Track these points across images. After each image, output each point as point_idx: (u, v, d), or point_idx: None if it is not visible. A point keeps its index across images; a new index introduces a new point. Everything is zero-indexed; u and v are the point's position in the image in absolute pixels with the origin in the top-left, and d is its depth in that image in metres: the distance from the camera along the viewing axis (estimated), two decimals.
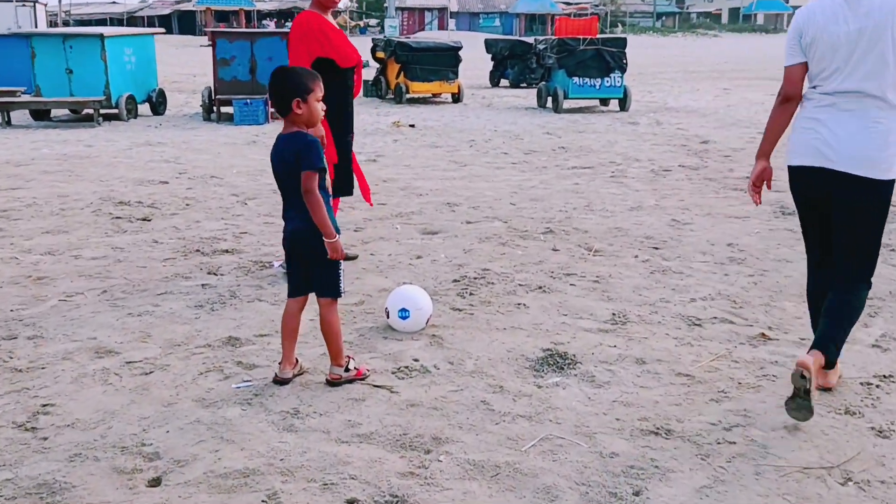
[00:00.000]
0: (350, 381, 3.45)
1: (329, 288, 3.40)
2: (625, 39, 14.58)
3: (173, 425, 3.10)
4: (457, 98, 16.13)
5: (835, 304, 3.23)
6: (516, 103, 16.09)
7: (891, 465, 2.84)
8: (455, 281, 4.87)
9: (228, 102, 12.39)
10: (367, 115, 13.78)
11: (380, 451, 2.93)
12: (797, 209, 3.47)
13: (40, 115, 12.63)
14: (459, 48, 15.94)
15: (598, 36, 14.74)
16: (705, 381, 3.53)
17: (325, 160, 3.29)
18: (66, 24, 63.60)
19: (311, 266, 3.39)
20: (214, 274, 4.97)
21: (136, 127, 11.96)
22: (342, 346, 3.48)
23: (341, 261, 3.39)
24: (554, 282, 4.87)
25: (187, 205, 6.89)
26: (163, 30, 18.64)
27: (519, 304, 4.46)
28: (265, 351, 3.78)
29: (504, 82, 20.72)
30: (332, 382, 3.45)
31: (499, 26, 65.65)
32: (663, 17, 77.81)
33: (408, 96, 15.91)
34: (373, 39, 18.22)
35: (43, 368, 3.57)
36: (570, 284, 4.83)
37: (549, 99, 14.80)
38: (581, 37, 14.14)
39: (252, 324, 4.13)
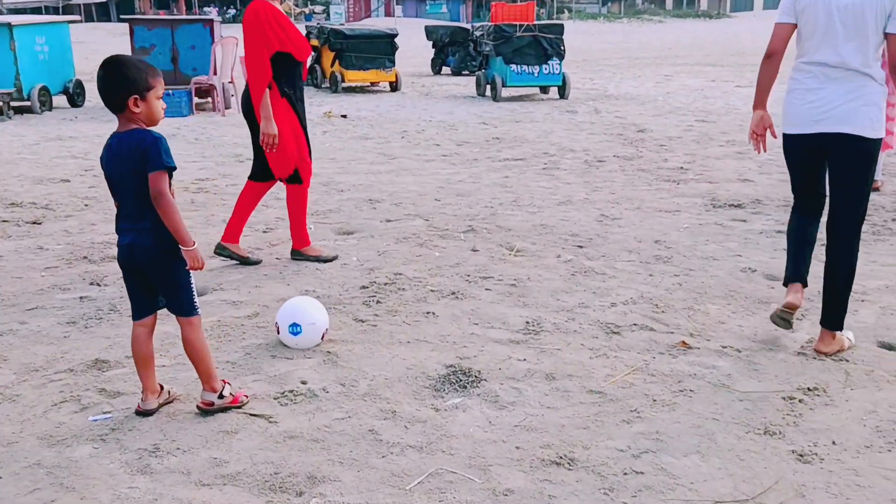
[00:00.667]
0: (224, 409, 3.08)
1: (183, 305, 3.02)
2: (562, 26, 14.31)
3: (8, 470, 2.69)
4: (395, 87, 15.71)
5: (833, 276, 3.63)
6: (456, 92, 15.74)
7: (811, 495, 2.58)
8: (363, 287, 4.51)
9: None
10: None
11: (244, 494, 2.57)
12: (790, 168, 3.75)
13: None
14: (395, 35, 15.51)
15: (536, 22, 14.45)
16: (618, 398, 3.24)
17: (173, 158, 2.87)
18: None
19: (157, 284, 3.02)
20: (98, 284, 4.53)
21: (49, 120, 11.30)
22: (213, 368, 3.10)
23: (191, 273, 3.00)
24: (469, 286, 4.54)
25: (86, 205, 6.40)
26: (78, 17, 17.80)
27: (428, 313, 4.13)
28: (135, 375, 3.36)
29: (446, 70, 20.36)
30: (204, 411, 3.08)
31: (446, 13, 65.02)
32: (609, 3, 78.06)
33: (344, 85, 15.45)
34: (306, 26, 17.68)
35: None
36: (486, 289, 4.51)
37: (488, 87, 14.48)
38: (517, 23, 13.83)
39: (127, 342, 3.65)
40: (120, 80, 2.81)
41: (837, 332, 3.64)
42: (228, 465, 2.73)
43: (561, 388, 3.34)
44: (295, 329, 3.63)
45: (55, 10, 71.44)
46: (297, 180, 4.91)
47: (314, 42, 16.10)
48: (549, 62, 13.83)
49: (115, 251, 5.12)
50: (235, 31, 47.17)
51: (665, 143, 9.49)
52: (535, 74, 13.95)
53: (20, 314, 4.08)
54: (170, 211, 2.83)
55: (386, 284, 4.55)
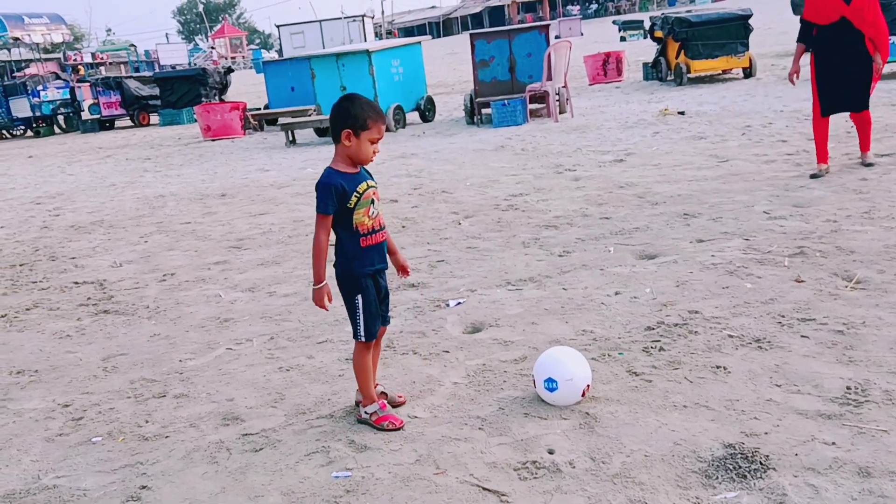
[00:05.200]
0: (370, 425, 3.27)
1: (353, 329, 3.27)
2: None
3: None
4: (748, 73, 14.33)
5: None
6: None
7: None
8: (648, 329, 3.98)
9: (489, 104, 12.16)
10: (637, 104, 12.74)
11: None
12: None
13: (322, 132, 13.49)
14: (748, 16, 14.11)
15: None
16: None
17: (330, 206, 3.08)
18: (388, 33, 69.41)
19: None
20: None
21: (400, 137, 12.22)
22: (367, 389, 3.30)
23: (360, 303, 3.20)
24: (779, 332, 3.76)
25: (403, 227, 6.67)
26: (429, 37, 19.05)
27: (718, 368, 3.47)
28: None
29: None
30: (359, 420, 3.34)
31: None
32: None
33: (689, 76, 14.49)
34: (650, 18, 16.91)
35: (167, 437, 3.45)
36: (802, 336, 3.69)
37: None
38: None
39: (390, 386, 3.67)
40: (342, 114, 3.06)
41: None
42: None
43: (876, 490, 2.53)
44: (551, 385, 3.26)
45: (436, 26, 78.84)
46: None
47: (658, 34, 15.36)
48: None
49: (412, 278, 5.25)
50: (597, 26, 47.15)
51: None
52: None
53: (311, 348, 4.28)
54: (314, 249, 3.10)
55: (676, 326, 3.96)
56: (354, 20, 53.50)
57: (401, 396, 3.51)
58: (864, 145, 6.87)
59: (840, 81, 6.50)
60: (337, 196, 3.06)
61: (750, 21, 14.20)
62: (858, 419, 2.95)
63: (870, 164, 6.78)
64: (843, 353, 3.49)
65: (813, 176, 6.63)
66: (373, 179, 3.25)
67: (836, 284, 4.28)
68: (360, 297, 3.18)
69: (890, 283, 4.19)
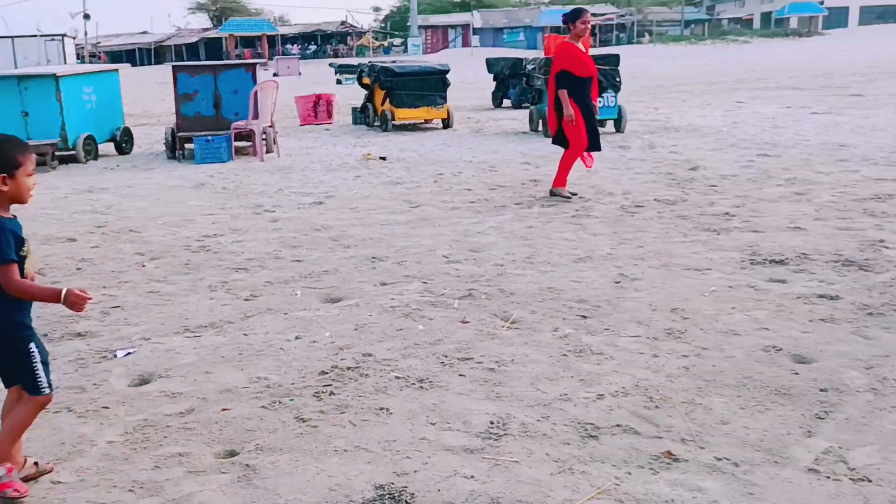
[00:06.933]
0: None
1: (28, 385, 2.96)
2: (618, 56, 13.66)
3: None
4: (447, 123, 15.35)
5: None
6: (510, 127, 15.24)
7: None
8: (322, 373, 4.04)
9: (192, 140, 11.76)
10: (343, 147, 13.06)
11: None
12: None
13: None
14: (446, 71, 15.16)
15: (591, 53, 13.83)
16: None
17: (13, 252, 2.78)
18: (93, 56, 64.69)
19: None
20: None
21: (90, 170, 11.35)
22: (9, 447, 2.98)
23: (35, 354, 2.92)
24: (441, 371, 4.01)
25: (78, 269, 6.17)
26: (128, 64, 18.19)
27: (381, 410, 3.62)
28: None
29: (507, 103, 19.91)
30: None
31: (523, 41, 64.70)
32: (692, 25, 76.15)
33: (395, 123, 15.18)
34: (359, 65, 17.54)
35: None
36: (459, 375, 3.97)
37: (540, 122, 13.93)
38: None
39: (35, 450, 3.33)
40: None
41: None
42: None
43: None
44: None
45: (147, 53, 74.93)
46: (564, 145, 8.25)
47: (366, 80, 15.93)
48: (604, 95, 13.17)
49: (80, 326, 4.86)
50: (316, 67, 47.59)
51: (717, 182, 8.75)
52: None
53: None
54: (27, 294, 2.84)
55: (349, 369, 4.07)
56: (53, 39, 49.06)
57: (49, 463, 3.21)
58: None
59: (593, 124, 8.08)
60: (14, 243, 2.81)
61: (447, 76, 15.25)
62: (496, 452, 3.22)
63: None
64: (491, 389, 3.81)
65: (569, 195, 8.20)
66: None
67: (496, 324, 4.67)
68: (33, 345, 2.94)
69: (539, 322, 4.67)
